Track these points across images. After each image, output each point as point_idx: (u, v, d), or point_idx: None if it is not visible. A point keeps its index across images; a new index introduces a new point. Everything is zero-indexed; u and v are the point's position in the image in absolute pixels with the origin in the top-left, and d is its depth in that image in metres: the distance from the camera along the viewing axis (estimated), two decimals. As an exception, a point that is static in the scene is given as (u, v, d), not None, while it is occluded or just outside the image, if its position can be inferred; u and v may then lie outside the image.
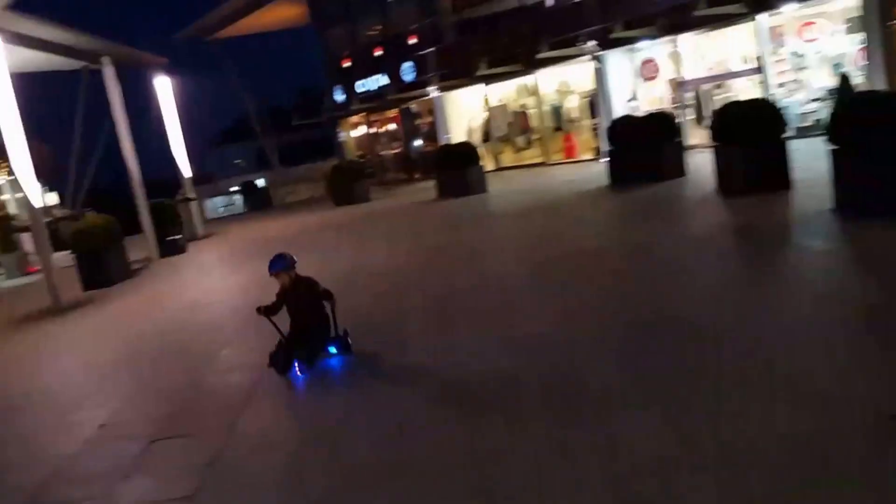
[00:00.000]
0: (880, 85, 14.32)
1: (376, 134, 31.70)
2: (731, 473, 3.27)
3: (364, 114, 31.06)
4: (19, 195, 17.49)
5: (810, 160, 10.93)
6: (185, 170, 19.35)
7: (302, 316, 5.84)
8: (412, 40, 26.10)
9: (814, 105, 15.96)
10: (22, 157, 11.12)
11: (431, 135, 27.71)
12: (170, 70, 19.33)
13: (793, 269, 6.92)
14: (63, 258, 14.82)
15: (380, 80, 27.63)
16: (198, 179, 21.28)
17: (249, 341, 7.47)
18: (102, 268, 13.07)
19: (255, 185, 31.43)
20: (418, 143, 29.00)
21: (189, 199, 19.34)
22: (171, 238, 16.32)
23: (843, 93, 13.62)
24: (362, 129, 32.42)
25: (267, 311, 5.83)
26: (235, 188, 33.72)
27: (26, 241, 17.38)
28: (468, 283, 8.20)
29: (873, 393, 3.83)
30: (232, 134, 58.81)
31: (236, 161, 58.68)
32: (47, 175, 23.19)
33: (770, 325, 5.20)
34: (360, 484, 3.86)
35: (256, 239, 16.83)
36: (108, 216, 14.01)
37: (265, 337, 7.48)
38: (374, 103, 28.56)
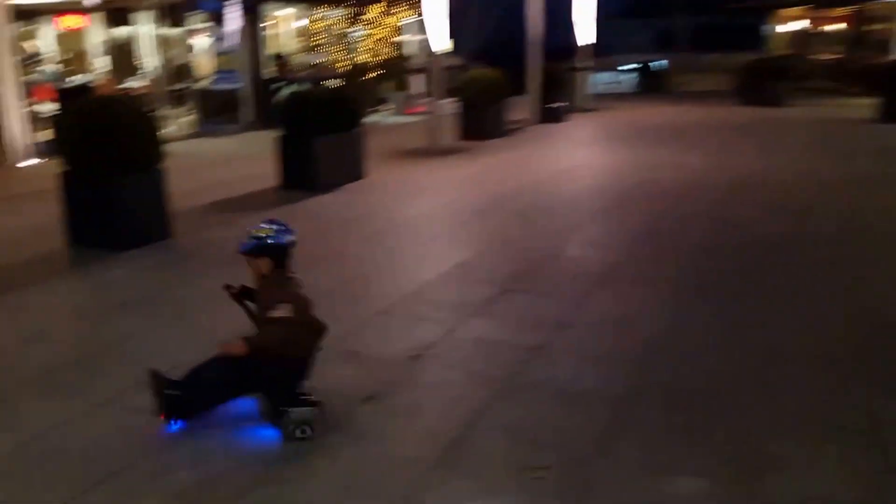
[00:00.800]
0: None
1: (813, 33, 28.78)
2: None
3: (805, 7, 28.28)
4: (420, 37, 19.59)
5: None
6: (585, 37, 19.69)
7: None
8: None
9: None
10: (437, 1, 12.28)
11: (884, 45, 24.51)
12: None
13: None
14: (446, 105, 16.39)
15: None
16: (591, 51, 21.53)
17: (613, 223, 7.65)
18: (481, 121, 14.20)
19: (652, 67, 30.90)
20: (864, 52, 25.78)
21: (580, 69, 19.77)
22: (553, 105, 16.98)
23: None
24: (797, 25, 29.64)
25: (238, 295, 3.72)
26: (629, 66, 33.64)
27: (413, 82, 19.66)
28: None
29: None
30: (636, 7, 58.34)
31: (635, 38, 58.38)
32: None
33: None
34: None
35: (641, 123, 16.73)
36: (498, 72, 14.98)
37: (631, 220, 7.63)
38: (821, -6, 25.84)
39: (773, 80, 20.15)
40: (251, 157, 12.00)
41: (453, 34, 28.76)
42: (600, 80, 37.92)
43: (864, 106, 17.12)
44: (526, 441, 3.37)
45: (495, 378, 3.99)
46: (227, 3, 16.27)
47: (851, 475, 3.09)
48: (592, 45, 20.02)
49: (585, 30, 19.61)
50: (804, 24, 29.39)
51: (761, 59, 22.76)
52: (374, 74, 19.68)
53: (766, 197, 8.65)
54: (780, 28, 30.68)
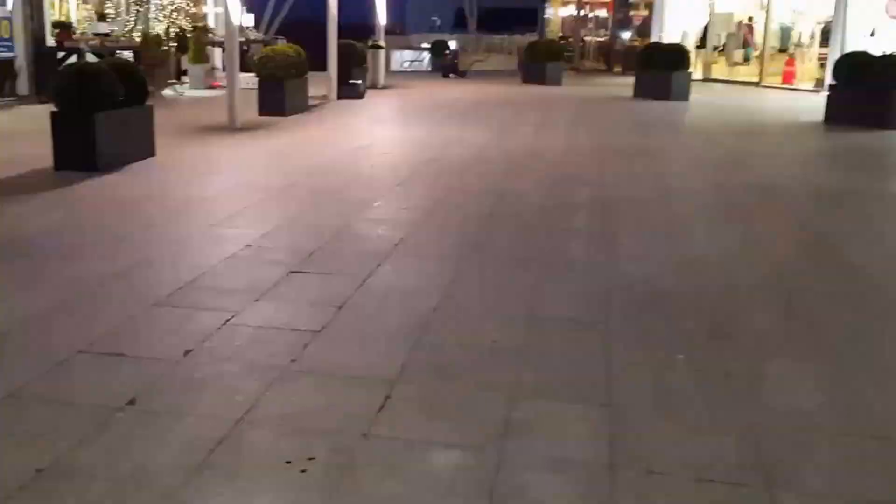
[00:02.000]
0: None
1: (584, 17, 30.28)
2: None
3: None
4: (219, 10, 18.32)
5: None
6: (381, 17, 19.37)
7: None
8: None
9: None
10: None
11: (643, 30, 26.54)
12: None
13: None
14: (247, 80, 15.47)
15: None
16: (389, 30, 21.24)
17: (405, 197, 7.50)
18: (280, 96, 13.43)
19: (447, 46, 31.12)
20: (626, 35, 27.73)
21: (378, 47, 19.44)
22: (352, 82, 16.57)
23: None
24: (570, 10, 31.05)
25: None
26: (426, 45, 33.78)
27: (217, 56, 18.34)
28: (637, 194, 7.82)
29: None
30: (436, -11, 59.03)
31: (433, 18, 59.14)
32: (247, -4, 24.11)
33: None
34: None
35: (434, 101, 16.77)
36: (297, 47, 14.30)
37: (421, 194, 7.51)
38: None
39: (549, 59, 21.02)
40: (24, 133, 10.60)
41: (255, 9, 27.30)
42: (403, 58, 37.93)
43: (626, 85, 18.37)
44: (296, 432, 3.06)
45: (273, 367, 3.66)
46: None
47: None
48: (391, 24, 19.79)
49: (381, 9, 19.28)
50: (574, 9, 30.79)
51: (540, 41, 23.79)
52: (171, 46, 18.03)
53: (539, 169, 9.02)
54: (557, 11, 31.97)
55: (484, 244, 5.95)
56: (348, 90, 16.37)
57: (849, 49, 16.43)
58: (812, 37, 21.33)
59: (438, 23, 58.88)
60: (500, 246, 5.94)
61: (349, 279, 4.95)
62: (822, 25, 20.64)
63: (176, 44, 18.13)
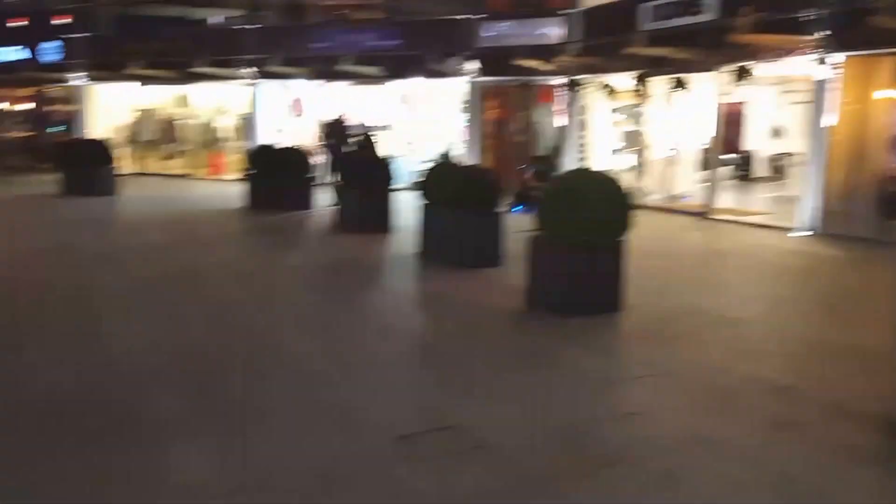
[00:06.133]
0: (473, 158, 17.41)
1: (4, 112, 27.45)
2: None
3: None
4: None
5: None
6: None
7: None
8: (62, 20, 24.06)
9: (424, 166, 15.65)
10: None
11: (70, 125, 25.19)
12: None
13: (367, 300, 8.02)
14: None
15: (16, 53, 24.94)
16: None
17: None
18: None
19: None
20: (54, 130, 26.00)
21: None
22: None
23: (444, 160, 14.96)
24: (-13, 103, 27.81)
25: None
26: None
27: None
28: (59, 294, 7.71)
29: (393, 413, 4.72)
30: None
31: None
32: None
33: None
34: None
35: None
36: None
37: None
38: (4, 76, 25.15)
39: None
40: None
41: None
42: None
43: (52, 181, 17.17)
44: None
45: None
46: None
47: None
48: None
49: None
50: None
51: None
52: None
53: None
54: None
55: None
56: None
57: (262, 142, 17.64)
58: (236, 131, 22.27)
59: None
60: None
61: None
62: (243, 121, 21.87)
63: None
